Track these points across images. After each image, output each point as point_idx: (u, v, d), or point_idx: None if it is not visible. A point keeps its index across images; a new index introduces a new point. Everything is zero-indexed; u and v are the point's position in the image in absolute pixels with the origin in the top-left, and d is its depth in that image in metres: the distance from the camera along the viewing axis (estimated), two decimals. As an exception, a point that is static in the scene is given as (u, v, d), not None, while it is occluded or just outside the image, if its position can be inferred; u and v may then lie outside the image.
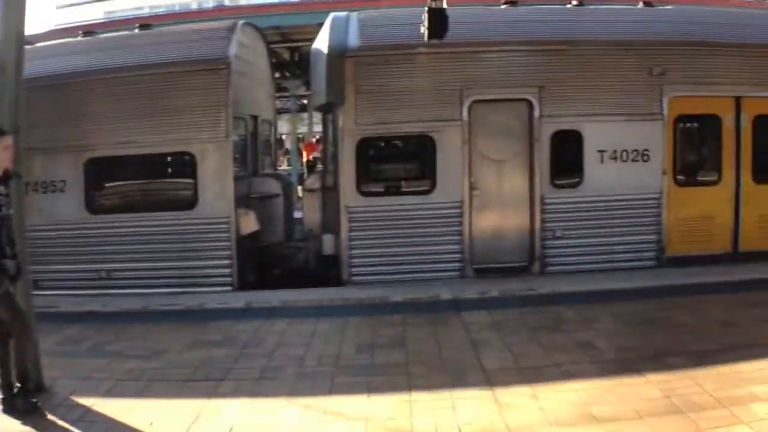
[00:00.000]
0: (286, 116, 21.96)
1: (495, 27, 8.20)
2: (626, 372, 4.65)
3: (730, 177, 8.45)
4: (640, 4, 9.07)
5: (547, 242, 7.96)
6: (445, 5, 6.88)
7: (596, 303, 6.57)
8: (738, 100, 8.37)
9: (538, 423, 3.94)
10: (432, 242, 7.82)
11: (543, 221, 7.93)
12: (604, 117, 7.97)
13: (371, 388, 4.54)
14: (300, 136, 24.69)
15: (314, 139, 24.26)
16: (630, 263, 8.04)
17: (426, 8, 6.86)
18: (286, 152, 25.65)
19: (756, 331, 5.47)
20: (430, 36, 6.90)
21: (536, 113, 7.89)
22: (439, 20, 6.82)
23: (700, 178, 8.62)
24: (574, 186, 8.05)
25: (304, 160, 20.92)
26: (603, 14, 8.66)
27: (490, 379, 4.64)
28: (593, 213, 7.98)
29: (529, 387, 4.46)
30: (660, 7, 8.91)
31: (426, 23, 6.85)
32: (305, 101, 23.78)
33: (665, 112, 8.09)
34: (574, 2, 8.85)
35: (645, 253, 8.15)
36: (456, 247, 7.88)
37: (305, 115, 26.46)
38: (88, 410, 4.26)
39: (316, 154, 21.10)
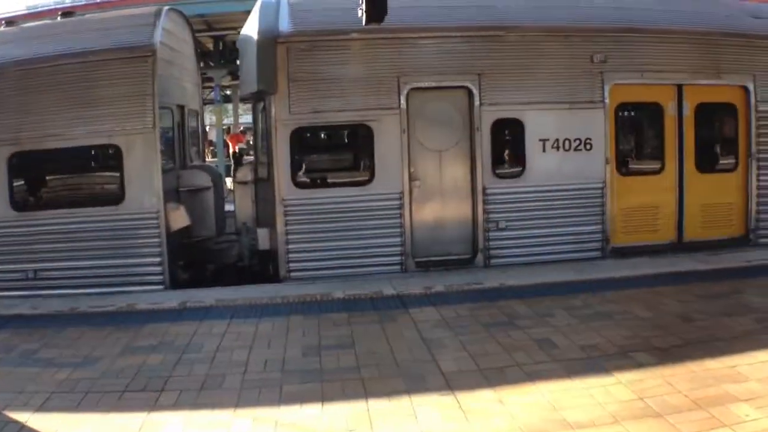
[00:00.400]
0: (210, 107, 22.69)
1: (432, 12, 8.73)
2: (594, 371, 4.87)
3: (673, 166, 9.28)
4: None
5: (491, 234, 8.58)
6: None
7: (547, 297, 7.09)
8: (680, 88, 9.20)
9: (509, 431, 4.03)
10: (372, 235, 8.32)
11: (485, 212, 8.55)
12: (545, 105, 8.67)
13: (325, 397, 4.62)
14: (225, 127, 25.62)
15: (240, 130, 25.38)
16: (574, 254, 8.74)
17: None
18: (211, 144, 26.50)
19: (714, 324, 5.93)
20: (368, 19, 7.25)
21: (476, 101, 8.50)
22: (377, 2, 7.19)
23: (642, 167, 9.42)
24: (517, 176, 8.72)
25: (231, 151, 21.60)
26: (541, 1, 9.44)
27: (450, 383, 4.78)
28: (536, 204, 8.65)
29: (493, 391, 4.61)
30: None
31: (363, 5, 7.23)
32: (229, 92, 24.84)
33: (607, 100, 8.83)
34: None
35: (589, 244, 8.86)
36: (397, 240, 8.41)
37: (230, 106, 27.34)
38: (22, 427, 4.31)
39: (242, 146, 22.00)
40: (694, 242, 9.33)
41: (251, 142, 18.39)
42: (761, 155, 9.46)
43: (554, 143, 8.74)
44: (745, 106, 9.46)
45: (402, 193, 8.41)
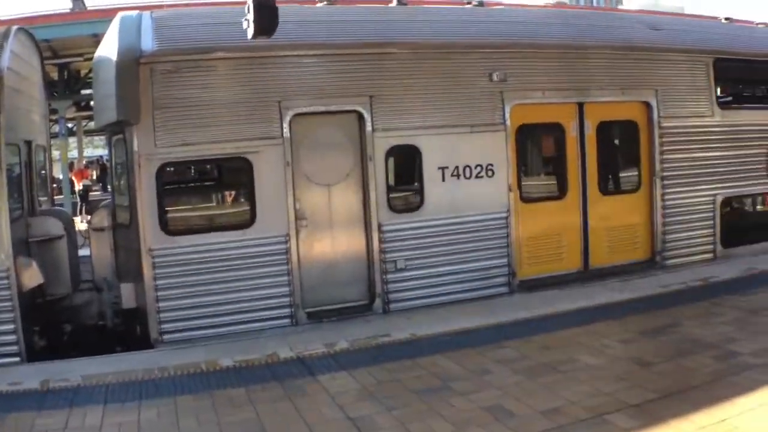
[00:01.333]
0: (55, 141, 23.59)
1: (317, 27, 9.71)
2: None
3: (576, 189, 10.91)
4: (472, 4, 11.23)
5: (389, 276, 9.67)
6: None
7: (471, 348, 7.81)
8: (581, 106, 10.87)
9: None
10: (256, 286, 9.05)
11: (382, 252, 9.63)
12: (444, 129, 9.90)
13: None
14: (70, 162, 26.06)
15: (83, 165, 26.71)
16: (480, 291, 10.08)
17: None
18: (55, 181, 26.96)
19: (676, 369, 6.76)
20: (256, 32, 7.73)
21: (368, 127, 9.55)
22: (267, 12, 7.63)
23: (546, 193, 11.01)
24: (415, 209, 9.88)
25: (77, 188, 22.29)
26: (437, 14, 10.74)
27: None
28: (437, 239, 9.87)
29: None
30: (496, 8, 11.29)
31: (250, 15, 7.72)
32: (72, 125, 25.35)
33: (508, 122, 10.26)
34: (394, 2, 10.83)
35: (496, 279, 10.23)
36: (284, 289, 9.20)
37: (72, 139, 27.92)
38: None
39: (87, 182, 22.88)
40: (600, 269, 11.04)
41: (95, 177, 18.88)
42: (666, 174, 11.38)
43: (454, 171, 10.01)
44: (647, 123, 11.32)
45: (288, 235, 9.22)
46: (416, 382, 6.88)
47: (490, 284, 10.25)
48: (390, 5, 10.81)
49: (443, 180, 9.99)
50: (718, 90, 11.96)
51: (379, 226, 9.66)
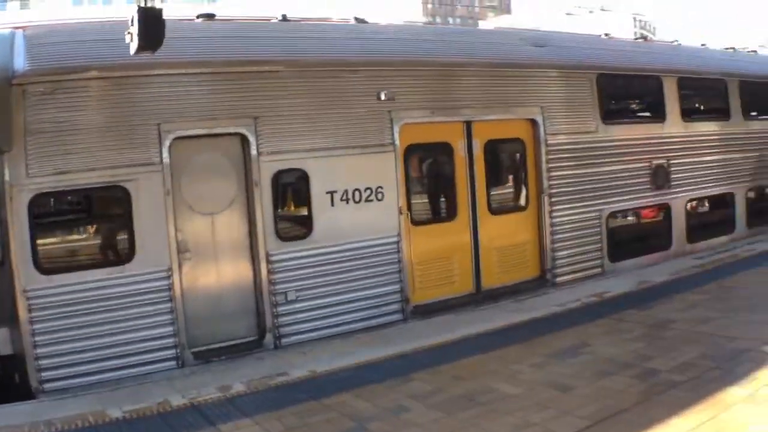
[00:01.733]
0: None
1: (197, 44, 10.07)
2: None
3: (466, 210, 11.86)
4: (352, 20, 11.97)
5: (280, 308, 10.18)
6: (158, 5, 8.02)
7: (378, 383, 8.19)
8: (469, 125, 11.85)
9: None
10: (138, 326, 9.26)
11: (272, 283, 10.10)
12: (331, 151, 10.52)
13: None
14: None
15: None
16: (374, 320, 10.78)
17: (136, 9, 7.77)
18: None
19: (598, 392, 7.35)
20: (140, 47, 7.84)
21: (253, 150, 10.03)
22: (154, 25, 7.79)
23: (436, 215, 11.93)
24: (304, 237, 10.45)
25: None
26: (324, 30, 11.39)
27: None
28: (328, 267, 10.47)
29: None
30: (382, 25, 12.22)
31: (134, 29, 7.75)
32: None
33: (397, 142, 11.06)
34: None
35: (389, 306, 10.96)
36: (168, 329, 9.46)
37: None
38: None
39: None
40: (493, 290, 12.05)
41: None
42: (553, 191, 12.64)
43: (343, 195, 10.67)
44: (534, 141, 12.51)
45: (170, 269, 9.50)
46: (329, 427, 7.06)
47: (384, 312, 10.98)
48: (269, 21, 11.45)
49: (332, 205, 10.63)
50: (602, 105, 13.44)
51: (268, 256, 10.15)
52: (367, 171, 10.97)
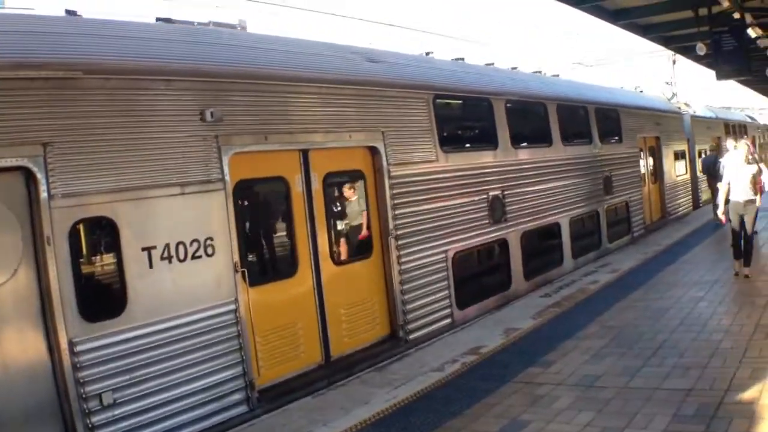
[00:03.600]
0: None
1: None
2: None
3: (307, 261, 9.14)
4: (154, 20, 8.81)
5: (94, 419, 6.80)
6: None
7: None
8: (306, 155, 9.17)
9: None
10: None
11: (80, 385, 6.73)
12: (146, 191, 7.37)
13: None
14: None
15: None
16: (217, 416, 7.76)
17: None
18: None
19: None
20: None
21: (42, 192, 6.64)
22: None
23: (275, 271, 9.05)
24: (116, 313, 7.13)
25: None
26: (132, 30, 8.08)
27: None
28: (152, 353, 7.27)
29: None
30: (207, 27, 9.07)
31: None
32: None
33: (227, 177, 8.10)
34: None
35: (232, 396, 7.96)
36: None
37: None
38: None
39: None
40: (344, 358, 9.42)
41: None
42: (399, 232, 10.28)
43: (164, 252, 7.49)
44: (375, 172, 10.12)
45: None
46: None
47: (226, 404, 7.93)
48: (58, 16, 7.91)
49: (151, 266, 7.41)
50: (440, 131, 11.29)
51: (72, 346, 6.74)
52: (192, 217, 7.87)
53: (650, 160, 21.00)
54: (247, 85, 8.51)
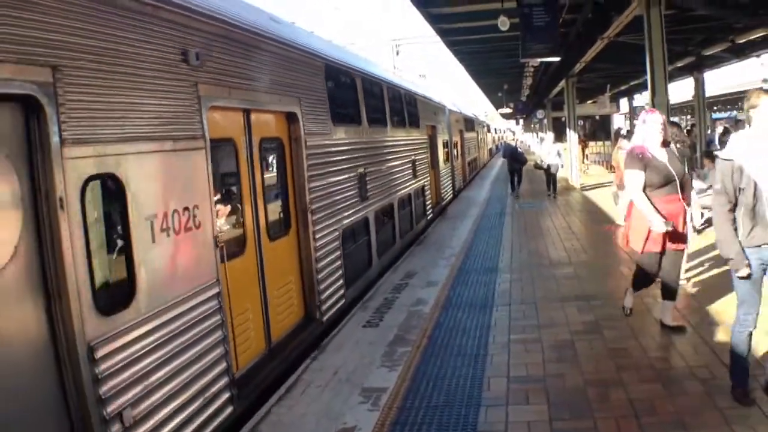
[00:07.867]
0: None
1: None
2: None
3: (252, 236, 7.13)
4: None
5: None
6: None
7: None
8: (248, 115, 7.13)
9: None
10: None
11: (101, 403, 4.28)
12: (146, 144, 5.01)
13: None
14: None
15: None
16: (203, 413, 5.53)
17: None
18: None
19: None
20: None
21: (54, 134, 4.07)
22: None
23: (236, 246, 6.81)
24: (128, 303, 4.69)
25: None
26: None
27: None
28: (160, 353, 4.98)
29: None
30: None
31: None
32: None
33: (207, 133, 5.85)
34: None
35: (221, 396, 5.81)
36: None
37: None
38: None
39: None
40: (281, 344, 7.53)
41: None
42: (314, 206, 8.50)
43: (163, 222, 5.16)
44: (291, 141, 8.25)
45: None
46: None
47: (215, 398, 5.74)
48: None
49: (153, 240, 5.04)
50: (331, 102, 9.49)
51: (90, 351, 4.25)
52: (182, 180, 5.54)
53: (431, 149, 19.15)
54: (223, 30, 6.30)
